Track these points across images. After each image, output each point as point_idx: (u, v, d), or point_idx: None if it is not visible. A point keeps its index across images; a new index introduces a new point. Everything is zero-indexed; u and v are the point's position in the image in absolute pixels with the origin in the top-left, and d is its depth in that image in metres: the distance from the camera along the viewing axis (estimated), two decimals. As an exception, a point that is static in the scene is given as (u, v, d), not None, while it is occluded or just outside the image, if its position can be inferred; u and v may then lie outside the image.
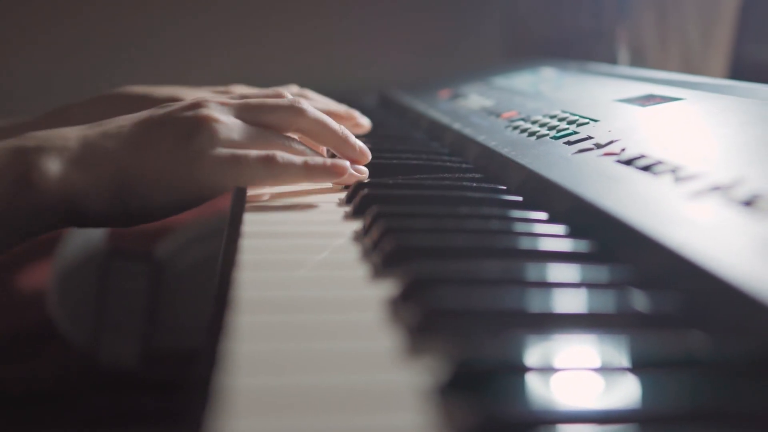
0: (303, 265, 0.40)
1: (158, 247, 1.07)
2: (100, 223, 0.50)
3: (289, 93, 0.56)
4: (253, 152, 0.49)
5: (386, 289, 0.36)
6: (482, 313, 0.32)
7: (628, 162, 0.48)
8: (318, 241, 0.44)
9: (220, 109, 0.51)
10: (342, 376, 0.28)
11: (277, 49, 1.26)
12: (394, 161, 0.60)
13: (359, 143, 0.56)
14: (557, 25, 1.31)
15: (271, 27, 1.29)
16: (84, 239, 1.06)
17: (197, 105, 0.51)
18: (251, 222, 0.47)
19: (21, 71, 1.24)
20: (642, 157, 0.48)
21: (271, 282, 0.37)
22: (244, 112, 0.51)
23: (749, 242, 0.34)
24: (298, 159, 0.50)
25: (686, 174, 0.43)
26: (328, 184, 0.56)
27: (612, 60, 1.15)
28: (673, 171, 0.44)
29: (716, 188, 0.40)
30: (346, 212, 0.50)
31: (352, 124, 0.69)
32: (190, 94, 0.69)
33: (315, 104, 0.67)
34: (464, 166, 0.62)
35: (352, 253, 0.42)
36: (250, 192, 0.51)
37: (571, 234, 0.44)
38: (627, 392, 0.27)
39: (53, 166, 0.47)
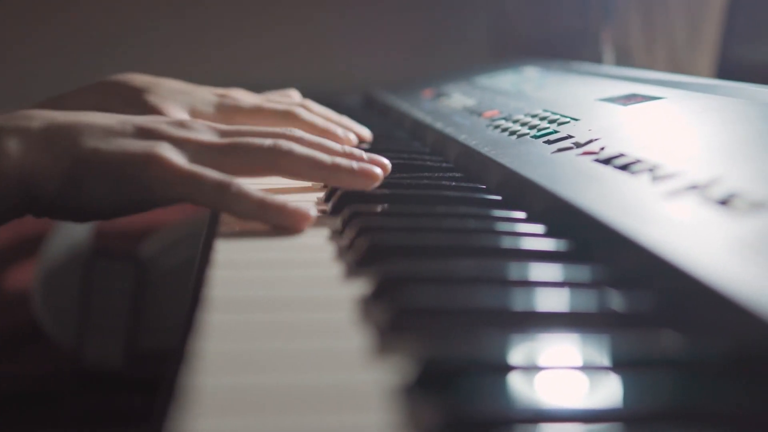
0: (276, 264, 0.40)
1: (143, 247, 1.06)
2: (55, 213, 0.48)
3: (288, 101, 0.53)
4: (212, 174, 0.46)
5: (359, 288, 0.36)
6: (453, 312, 0.32)
7: (607, 161, 0.48)
8: (293, 240, 0.44)
9: (177, 151, 0.48)
10: (309, 375, 0.28)
11: (261, 49, 1.26)
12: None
13: (366, 167, 0.50)
14: (543, 25, 1.31)
15: (254, 26, 1.29)
16: (68, 239, 1.05)
17: (155, 136, 0.48)
18: (227, 221, 0.47)
19: (20, 65, 1.24)
20: (620, 156, 0.48)
21: (243, 280, 0.37)
22: (207, 154, 0.48)
23: (724, 241, 0.34)
24: (255, 194, 0.46)
25: (664, 173, 0.43)
26: (307, 183, 0.55)
27: (598, 60, 1.15)
28: (651, 170, 0.44)
29: (693, 187, 0.40)
30: (323, 211, 0.50)
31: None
32: (194, 93, 0.68)
33: (312, 120, 0.65)
34: (444, 165, 0.62)
35: (327, 252, 0.42)
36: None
37: (549, 233, 0.44)
38: (599, 391, 0.27)
39: (13, 146, 0.45)
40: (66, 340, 1.01)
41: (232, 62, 1.15)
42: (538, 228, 0.44)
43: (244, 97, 0.70)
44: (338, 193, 0.50)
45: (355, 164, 0.50)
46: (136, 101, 0.64)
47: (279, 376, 0.28)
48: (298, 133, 0.52)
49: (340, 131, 0.66)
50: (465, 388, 0.26)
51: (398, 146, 0.70)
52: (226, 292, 0.35)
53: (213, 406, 0.25)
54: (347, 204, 0.47)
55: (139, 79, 0.68)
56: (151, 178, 0.46)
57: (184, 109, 0.66)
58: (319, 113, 0.69)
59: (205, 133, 0.50)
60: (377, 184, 0.50)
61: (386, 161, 0.52)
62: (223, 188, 0.45)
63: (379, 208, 0.46)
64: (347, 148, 0.52)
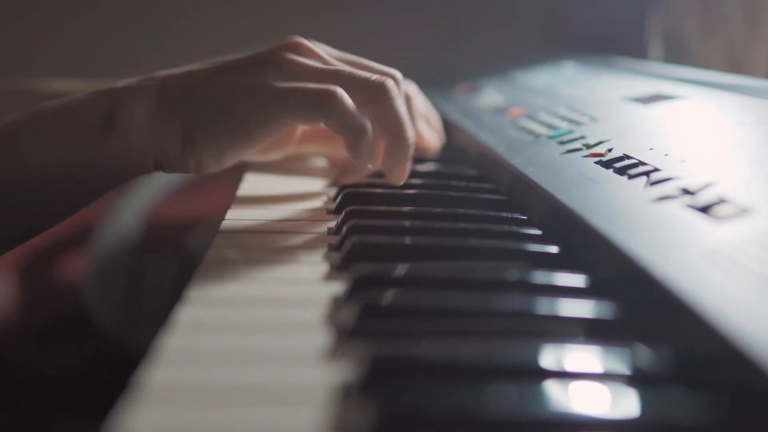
0: (264, 260, 0.41)
1: (190, 240, 1.09)
2: (178, 167, 0.48)
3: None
4: (311, 85, 0.46)
5: (338, 287, 0.37)
6: (415, 314, 0.33)
7: (609, 163, 0.47)
8: (290, 237, 0.45)
9: (310, 53, 0.49)
10: (261, 372, 0.29)
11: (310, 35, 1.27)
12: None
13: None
14: (595, 17, 1.29)
15: (300, 12, 1.29)
16: (118, 231, 1.09)
17: (287, 47, 0.49)
18: (232, 215, 0.48)
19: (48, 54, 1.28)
20: (623, 158, 0.47)
21: (227, 275, 0.38)
22: (307, 76, 0.48)
23: (699, 248, 0.33)
24: (358, 119, 0.46)
25: (659, 177, 0.42)
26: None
27: (644, 54, 1.13)
28: (648, 174, 0.43)
29: (685, 191, 0.40)
30: (328, 210, 0.51)
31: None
32: None
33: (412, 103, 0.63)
34: (461, 165, 0.62)
35: (319, 249, 0.43)
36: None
37: (544, 236, 0.44)
38: (548, 398, 0.27)
39: (138, 107, 0.47)
40: (113, 330, 1.04)
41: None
42: (533, 230, 0.44)
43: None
44: (344, 191, 0.51)
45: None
46: None
47: (229, 373, 0.28)
48: (391, 86, 0.49)
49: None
50: (404, 390, 0.26)
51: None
52: (207, 287, 0.36)
53: (155, 398, 0.26)
54: (348, 203, 0.48)
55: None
56: (251, 106, 0.46)
57: None
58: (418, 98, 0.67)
59: (310, 58, 0.49)
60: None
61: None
62: (328, 94, 0.45)
63: (376, 208, 0.47)
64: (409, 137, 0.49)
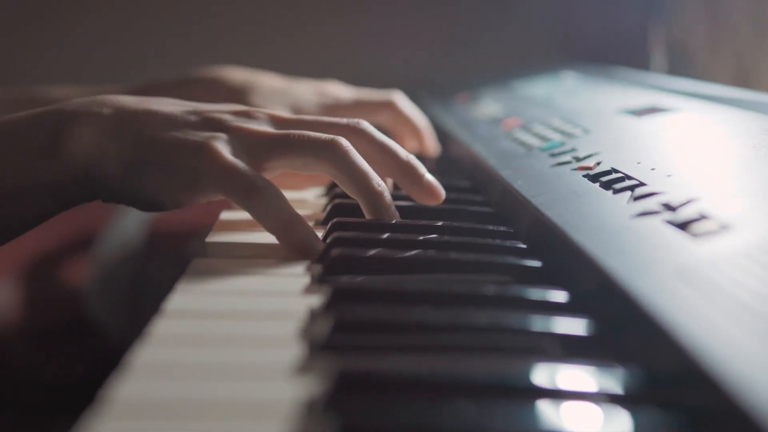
0: (247, 272, 0.41)
1: (192, 247, 1.09)
2: (120, 198, 0.48)
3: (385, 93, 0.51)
4: (248, 173, 0.45)
5: (316, 299, 0.37)
6: (389, 329, 0.33)
7: (596, 177, 0.47)
8: (275, 249, 0.45)
9: (229, 143, 0.47)
10: (230, 386, 0.29)
11: (314, 44, 1.27)
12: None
13: (427, 180, 0.50)
14: (604, 27, 1.28)
15: (304, 20, 1.30)
16: (121, 238, 1.10)
17: (216, 127, 0.48)
18: (222, 221, 0.49)
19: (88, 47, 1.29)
20: (610, 172, 0.47)
21: (207, 287, 0.38)
22: (260, 145, 0.48)
23: (671, 267, 0.33)
24: (283, 209, 0.45)
25: (643, 192, 0.42)
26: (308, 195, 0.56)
27: (654, 64, 1.12)
28: (632, 188, 0.43)
29: (666, 207, 0.40)
30: (317, 221, 0.51)
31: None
32: (294, 91, 0.69)
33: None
34: (456, 177, 0.62)
35: (303, 261, 0.43)
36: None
37: (530, 250, 0.44)
38: (505, 417, 0.27)
39: (85, 132, 0.46)
40: (115, 335, 1.05)
41: (264, 60, 1.17)
42: (517, 244, 0.44)
43: (341, 91, 0.71)
44: (333, 203, 0.51)
45: (390, 201, 0.48)
46: (239, 102, 0.64)
47: (198, 386, 0.29)
48: (365, 126, 0.50)
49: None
50: (367, 406, 0.27)
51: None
52: (186, 298, 0.37)
53: (119, 412, 0.26)
54: (335, 215, 0.48)
55: (238, 76, 0.70)
56: (200, 167, 0.46)
57: (285, 108, 0.67)
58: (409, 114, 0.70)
59: (263, 123, 0.49)
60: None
61: (441, 192, 0.51)
62: (253, 191, 0.45)
63: (362, 221, 0.47)
64: (410, 161, 0.51)
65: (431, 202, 0.50)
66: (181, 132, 0.47)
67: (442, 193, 0.51)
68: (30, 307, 1.05)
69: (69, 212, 0.64)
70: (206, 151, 0.46)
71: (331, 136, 0.47)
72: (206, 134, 0.47)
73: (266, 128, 0.49)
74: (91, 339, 1.05)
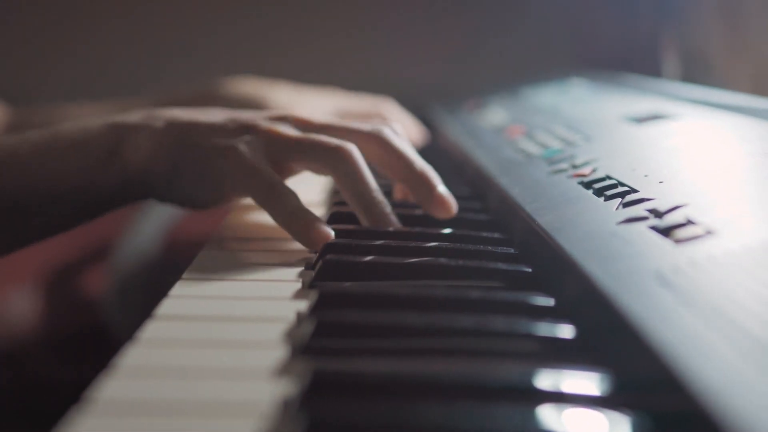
0: (242, 276, 0.42)
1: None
2: (169, 199, 0.53)
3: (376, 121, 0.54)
4: (267, 173, 0.49)
5: (304, 304, 0.38)
6: (370, 332, 0.33)
7: (589, 184, 0.48)
8: (270, 255, 0.46)
9: (254, 146, 0.51)
10: (211, 387, 0.30)
11: (324, 52, 1.28)
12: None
13: (383, 220, 0.50)
14: (616, 33, 1.28)
15: (316, 31, 1.31)
16: (138, 247, 1.11)
17: (252, 131, 0.52)
18: (226, 226, 0.50)
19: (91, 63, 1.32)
20: (604, 179, 0.48)
21: (200, 291, 0.39)
22: (282, 147, 0.51)
23: (649, 272, 0.33)
24: (293, 202, 0.48)
25: (633, 198, 0.43)
26: None
27: (667, 71, 1.12)
28: (623, 195, 0.44)
29: (653, 213, 0.40)
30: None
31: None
32: (298, 101, 0.72)
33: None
34: (457, 184, 0.63)
35: (296, 267, 0.44)
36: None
37: (521, 256, 0.45)
38: (474, 418, 0.28)
39: (143, 143, 0.51)
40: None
41: (274, 67, 1.18)
42: (507, 250, 0.45)
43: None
44: (332, 210, 0.52)
45: (388, 211, 0.50)
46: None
47: (180, 387, 0.29)
48: (385, 134, 0.52)
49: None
50: (338, 406, 0.27)
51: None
52: (179, 302, 0.37)
53: (101, 411, 0.27)
54: (332, 222, 0.49)
55: (252, 89, 0.74)
56: (225, 168, 0.50)
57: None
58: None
59: (287, 126, 0.52)
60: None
61: (452, 205, 0.51)
62: (272, 188, 0.48)
63: (357, 228, 0.48)
64: (423, 171, 0.52)
65: (442, 215, 0.51)
66: (216, 137, 0.51)
67: (454, 205, 0.51)
68: (48, 316, 1.07)
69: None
70: (230, 153, 0.49)
71: (339, 143, 0.50)
72: (235, 138, 0.51)
73: (289, 131, 0.52)
74: (108, 348, 1.06)
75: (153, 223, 1.15)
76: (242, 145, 0.50)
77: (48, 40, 1.32)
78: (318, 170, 0.52)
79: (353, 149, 0.50)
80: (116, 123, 0.52)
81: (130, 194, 0.52)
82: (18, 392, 1.00)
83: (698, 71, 1.10)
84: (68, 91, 1.24)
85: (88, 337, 1.08)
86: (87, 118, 0.54)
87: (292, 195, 0.48)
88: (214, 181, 0.51)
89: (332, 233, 0.46)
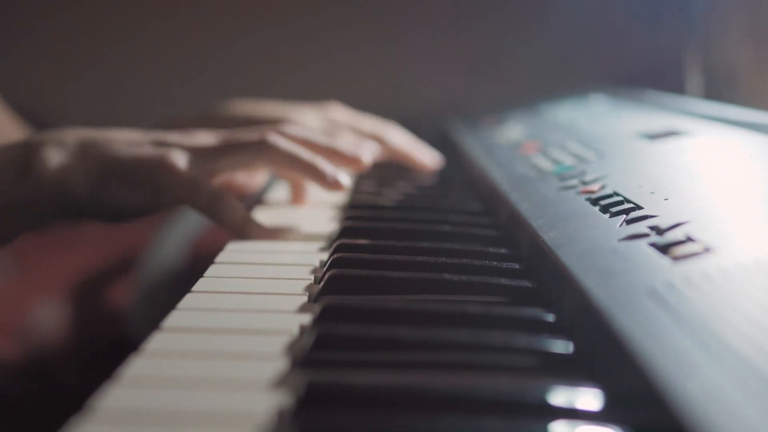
0: (251, 288, 0.43)
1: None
2: (88, 214, 0.56)
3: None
4: (209, 186, 0.54)
5: (308, 318, 0.39)
6: (368, 346, 0.34)
7: (596, 201, 0.48)
8: (281, 270, 0.47)
9: (184, 158, 0.55)
10: (210, 397, 0.30)
11: (342, 72, 1.30)
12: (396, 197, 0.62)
13: (329, 172, 0.56)
14: (640, 50, 1.28)
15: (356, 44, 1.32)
16: (164, 258, 1.13)
17: (166, 145, 0.56)
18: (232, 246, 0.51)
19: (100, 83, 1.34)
20: (612, 195, 0.48)
21: (207, 304, 0.40)
22: (206, 156, 0.56)
23: (643, 288, 0.34)
24: (240, 210, 0.54)
25: (637, 215, 0.43)
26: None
27: (691, 88, 1.12)
28: (627, 212, 0.44)
29: (655, 230, 0.40)
30: (328, 244, 0.53)
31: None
32: (291, 115, 0.75)
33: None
34: (469, 200, 0.63)
35: (304, 281, 0.44)
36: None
37: (525, 271, 0.45)
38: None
39: (53, 157, 0.53)
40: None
41: (291, 87, 1.19)
42: (512, 265, 0.45)
43: (340, 114, 0.78)
44: (343, 223, 0.53)
45: (328, 170, 0.56)
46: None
47: (180, 398, 0.30)
48: (289, 128, 0.58)
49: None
50: (330, 418, 0.28)
51: (434, 178, 0.72)
52: (182, 318, 0.38)
53: (101, 420, 0.28)
54: (342, 237, 0.50)
55: (248, 108, 0.76)
56: (161, 181, 0.53)
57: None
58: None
59: (203, 137, 0.56)
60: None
61: (362, 156, 0.59)
62: (216, 199, 0.53)
63: (367, 242, 0.48)
64: (332, 144, 0.59)
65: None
66: (138, 150, 0.54)
67: (345, 182, 0.56)
68: (74, 327, 1.09)
69: (113, 233, 0.70)
70: (165, 164, 0.53)
71: (261, 134, 0.55)
72: (161, 150, 0.54)
73: (206, 141, 0.56)
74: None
75: (178, 234, 1.17)
76: (173, 156, 0.53)
77: (62, 61, 1.35)
78: (249, 166, 0.57)
79: (273, 136, 0.55)
80: (26, 141, 0.55)
81: (50, 211, 0.54)
82: (46, 402, 1.02)
83: (723, 88, 1.09)
84: (81, 112, 1.27)
85: (114, 348, 1.09)
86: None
87: (237, 203, 0.53)
88: (147, 193, 0.54)
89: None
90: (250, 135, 0.56)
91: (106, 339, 1.10)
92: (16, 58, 1.31)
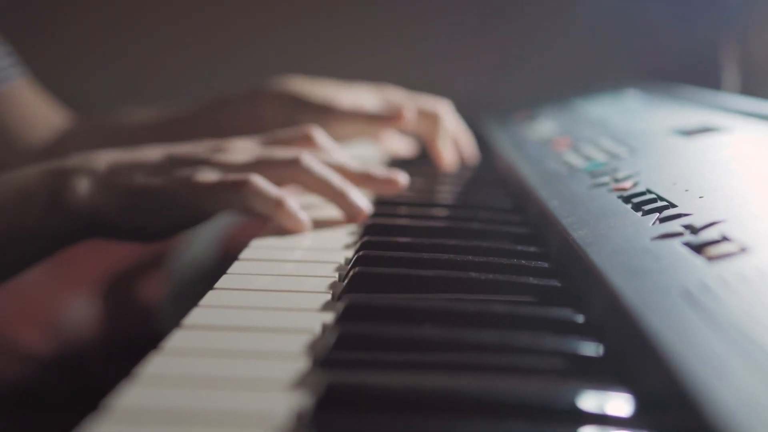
0: (275, 286, 0.42)
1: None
2: (120, 236, 0.57)
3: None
4: (230, 176, 0.53)
5: (331, 316, 0.38)
6: (391, 345, 0.33)
7: (628, 198, 0.47)
8: (304, 267, 0.46)
9: (236, 150, 0.56)
10: (230, 397, 0.30)
11: (372, 66, 1.29)
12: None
13: (356, 203, 0.55)
14: (676, 44, 1.25)
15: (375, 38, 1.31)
16: (195, 254, 1.13)
17: (217, 148, 0.56)
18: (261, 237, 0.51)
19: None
20: (644, 193, 0.47)
21: (229, 302, 0.40)
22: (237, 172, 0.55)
23: (677, 289, 0.33)
24: (273, 192, 0.53)
25: (670, 213, 0.42)
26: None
27: (726, 83, 1.09)
28: (660, 210, 0.43)
29: (689, 229, 0.39)
30: (354, 241, 0.52)
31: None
32: (344, 97, 0.75)
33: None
34: (500, 197, 0.62)
35: (328, 279, 0.44)
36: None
37: (555, 270, 0.44)
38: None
39: (83, 186, 0.54)
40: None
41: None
42: (541, 264, 0.44)
43: (397, 95, 0.78)
44: (369, 221, 0.52)
45: (355, 201, 0.55)
46: (294, 110, 0.74)
47: (199, 397, 0.30)
48: (325, 154, 0.58)
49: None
50: (350, 418, 0.27)
51: (463, 175, 0.71)
52: (203, 316, 0.38)
53: (118, 419, 0.28)
54: (366, 234, 0.49)
55: (296, 85, 0.77)
56: (193, 200, 0.54)
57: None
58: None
59: (237, 154, 0.56)
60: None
61: (398, 180, 0.58)
62: (238, 186, 0.52)
63: (392, 239, 0.48)
64: (366, 170, 0.58)
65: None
66: (165, 177, 0.54)
67: (365, 209, 0.55)
68: (106, 322, 1.09)
69: None
70: (192, 185, 0.53)
71: (294, 155, 0.55)
72: (187, 171, 0.54)
73: (238, 157, 0.56)
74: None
75: (209, 231, 1.17)
76: (198, 176, 0.53)
77: (100, 48, 1.36)
78: (284, 184, 0.55)
79: (307, 158, 0.54)
80: (54, 169, 0.55)
81: (80, 236, 0.55)
82: (79, 396, 1.03)
83: (759, 83, 1.07)
84: (119, 96, 1.28)
85: (145, 343, 1.10)
86: (28, 167, 0.57)
87: (265, 186, 0.52)
88: (181, 214, 0.54)
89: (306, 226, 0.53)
90: (285, 154, 0.55)
91: (137, 335, 1.10)
92: (48, 51, 1.33)
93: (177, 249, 1.12)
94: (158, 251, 1.14)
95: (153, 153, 0.56)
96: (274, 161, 0.55)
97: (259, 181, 0.53)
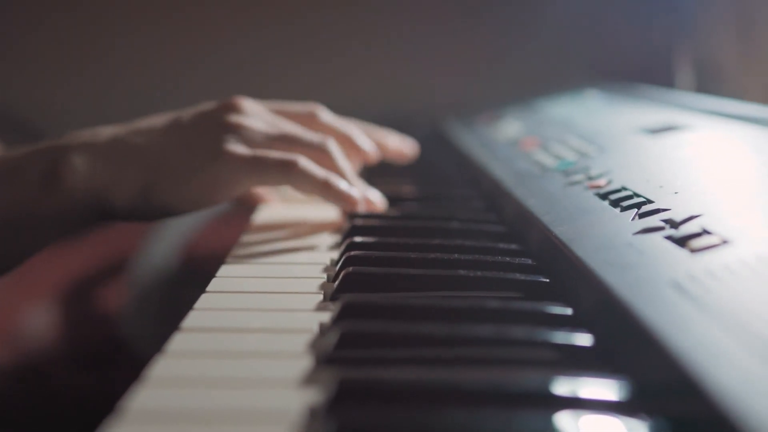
0: (265, 288, 0.43)
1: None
2: (127, 217, 0.52)
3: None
4: (274, 154, 0.51)
5: (327, 316, 0.39)
6: (392, 342, 0.34)
7: (605, 195, 0.48)
8: (292, 269, 0.46)
9: (252, 113, 0.53)
10: (239, 396, 0.30)
11: (337, 71, 1.29)
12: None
13: (370, 197, 0.56)
14: (631, 45, 1.28)
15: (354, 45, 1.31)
16: (155, 261, 1.12)
17: (230, 107, 0.53)
18: (246, 240, 0.51)
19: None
20: (620, 190, 0.48)
21: (224, 305, 0.40)
22: (259, 138, 0.53)
23: (664, 281, 0.34)
24: (319, 173, 0.52)
25: (649, 209, 0.43)
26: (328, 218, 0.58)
27: (681, 82, 1.12)
28: (639, 206, 0.44)
29: (669, 223, 0.40)
30: (337, 242, 0.53)
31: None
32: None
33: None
34: (472, 199, 0.63)
35: (317, 279, 0.44)
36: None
37: (538, 266, 0.45)
38: (503, 423, 0.28)
39: (81, 161, 0.49)
40: (150, 359, 1.06)
41: (298, 86, 1.19)
42: (525, 261, 0.45)
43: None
44: (351, 222, 0.53)
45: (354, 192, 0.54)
46: None
47: (209, 397, 0.30)
48: (331, 148, 0.55)
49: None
50: (364, 413, 0.28)
51: (434, 177, 0.72)
52: (201, 318, 0.38)
53: (133, 421, 0.28)
54: (351, 235, 0.50)
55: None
56: (221, 171, 0.50)
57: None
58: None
59: (252, 118, 0.53)
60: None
61: (377, 201, 0.57)
62: (288, 166, 0.51)
63: (377, 240, 0.48)
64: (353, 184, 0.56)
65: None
66: (186, 143, 0.50)
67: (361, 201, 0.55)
68: (67, 329, 1.08)
69: (104, 235, 0.66)
70: (223, 155, 0.50)
71: (292, 158, 0.52)
72: (213, 138, 0.50)
73: (259, 122, 0.53)
74: (126, 361, 1.07)
75: (170, 236, 1.16)
76: (230, 145, 0.50)
77: (59, 60, 1.34)
78: (273, 186, 0.55)
79: (303, 161, 0.52)
80: (46, 146, 0.50)
81: (84, 221, 0.50)
82: (40, 404, 1.01)
83: (712, 82, 1.10)
84: (79, 112, 1.26)
85: (107, 350, 1.09)
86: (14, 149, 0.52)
87: (311, 166, 0.51)
88: (204, 186, 0.50)
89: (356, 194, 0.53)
90: (282, 155, 0.52)
91: (99, 340, 1.09)
92: (8, 63, 1.30)
93: (138, 254, 1.11)
94: (119, 257, 1.13)
95: (161, 120, 0.52)
96: (270, 161, 0.51)
97: (307, 162, 0.51)
